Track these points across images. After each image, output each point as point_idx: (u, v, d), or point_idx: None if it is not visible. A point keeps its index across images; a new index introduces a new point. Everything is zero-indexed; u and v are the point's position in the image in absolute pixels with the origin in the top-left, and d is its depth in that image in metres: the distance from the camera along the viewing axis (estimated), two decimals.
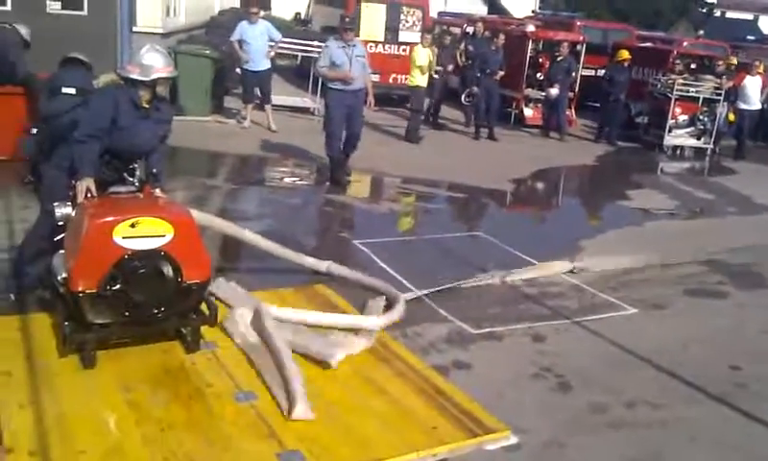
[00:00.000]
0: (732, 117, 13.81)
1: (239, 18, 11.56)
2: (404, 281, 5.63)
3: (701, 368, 4.79)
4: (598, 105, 14.59)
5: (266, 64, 10.89)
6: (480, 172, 10.12)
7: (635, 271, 6.67)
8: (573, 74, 13.89)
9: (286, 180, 8.95)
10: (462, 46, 13.81)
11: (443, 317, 5.19)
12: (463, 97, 12.85)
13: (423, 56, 11.41)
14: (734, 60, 15.14)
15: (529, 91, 14.35)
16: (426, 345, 4.72)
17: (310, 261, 5.14)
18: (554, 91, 13.30)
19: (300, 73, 14.92)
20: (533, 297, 5.83)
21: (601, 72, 14.92)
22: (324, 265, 5.11)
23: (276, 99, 11.69)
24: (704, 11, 62.63)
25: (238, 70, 11.38)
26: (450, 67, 13.10)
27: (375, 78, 10.53)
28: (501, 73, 12.70)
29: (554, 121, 13.58)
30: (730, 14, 68.63)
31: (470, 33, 14.99)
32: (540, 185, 10.93)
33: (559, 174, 11.43)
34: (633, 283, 6.38)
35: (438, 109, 13.39)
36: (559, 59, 13.65)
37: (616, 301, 5.93)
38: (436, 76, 12.34)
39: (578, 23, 18.15)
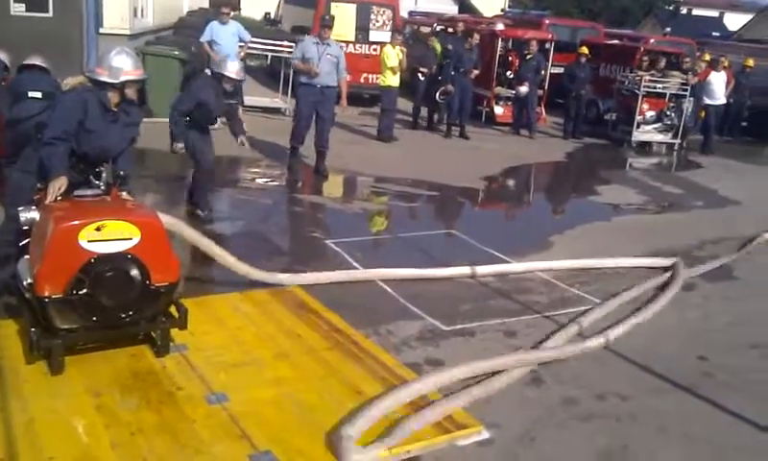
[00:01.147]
0: (702, 113, 14.07)
1: (208, 19, 11.46)
2: (378, 282, 5.67)
3: (669, 360, 4.86)
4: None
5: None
6: (453, 170, 10.18)
7: (603, 267, 6.73)
8: (543, 72, 14.03)
9: (258, 181, 8.91)
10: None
11: (415, 314, 5.20)
12: (437, 95, 12.90)
13: (393, 56, 11.44)
14: (707, 57, 15.41)
15: (499, 89, 14.48)
16: (399, 342, 4.73)
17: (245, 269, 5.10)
18: (524, 89, 13.42)
19: (271, 73, 14.86)
20: (504, 292, 5.87)
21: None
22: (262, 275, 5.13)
23: (248, 99, 11.61)
24: (670, 8, 63.59)
25: (208, 71, 11.24)
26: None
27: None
28: (476, 72, 12.80)
29: (524, 119, 13.70)
30: (696, 12, 69.73)
31: (447, 31, 15.08)
32: (511, 183, 11.03)
33: (529, 171, 11.56)
34: (604, 277, 6.46)
35: (429, 112, 13.33)
36: (528, 57, 13.78)
37: (586, 295, 5.99)
38: (422, 78, 12.47)
39: (546, 22, 18.33)
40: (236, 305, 4.78)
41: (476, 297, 5.72)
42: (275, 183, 8.96)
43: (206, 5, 18.60)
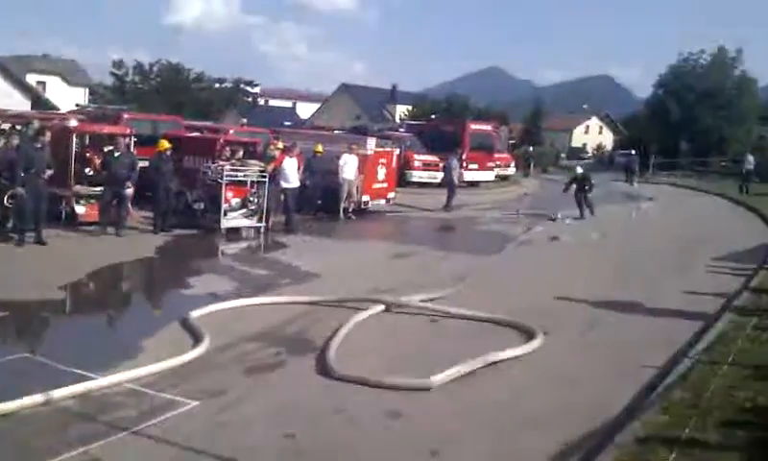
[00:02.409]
0: (282, 196, 15.24)
1: None
2: None
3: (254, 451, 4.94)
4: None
5: None
6: (28, 280, 9.15)
7: (194, 361, 6.65)
8: (137, 169, 13.57)
9: None
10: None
11: None
12: (5, 199, 11.52)
13: None
14: (280, 145, 16.81)
15: (79, 188, 13.63)
16: None
17: None
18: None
19: None
20: (86, 415, 5.34)
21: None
22: None
23: None
24: (249, 100, 68.77)
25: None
26: None
27: None
28: (50, 172, 11.83)
29: (112, 216, 13.12)
30: (272, 102, 76.51)
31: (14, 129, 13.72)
32: (96, 287, 10.14)
33: (117, 272, 10.98)
34: (193, 374, 6.34)
35: None
36: (117, 154, 13.27)
37: (177, 397, 5.78)
38: None
39: (125, 116, 18.07)
40: None
41: (53, 427, 5.08)
42: None
43: None
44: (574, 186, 19.79)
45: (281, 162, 15.38)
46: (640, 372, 6.83)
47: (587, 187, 19.73)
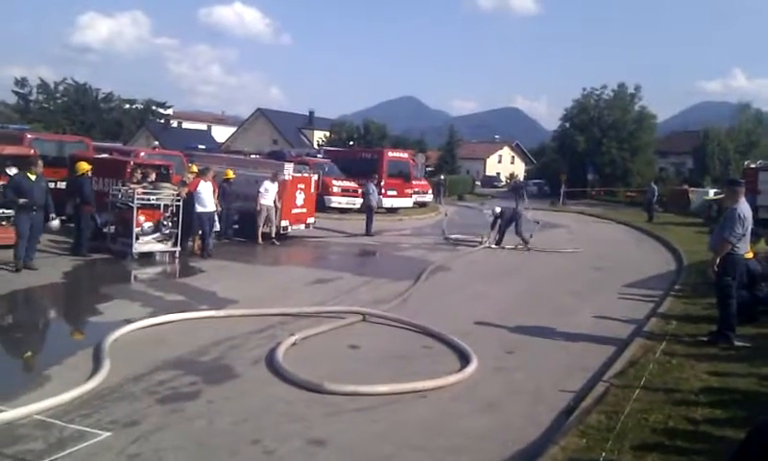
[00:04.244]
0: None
1: None
2: None
3: None
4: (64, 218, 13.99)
5: None
6: None
7: (106, 390, 6.34)
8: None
9: None
10: None
11: None
12: None
13: None
14: (195, 168, 16.41)
15: None
16: None
17: None
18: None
19: None
20: None
21: (61, 184, 14.39)
22: None
23: None
24: (161, 121, 67.06)
25: None
26: None
27: None
28: None
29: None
30: (186, 124, 74.99)
31: None
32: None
33: (22, 300, 10.37)
34: (105, 404, 6.05)
35: None
36: (33, 177, 12.48)
37: (88, 429, 5.49)
38: None
39: (29, 136, 17.23)
40: None
41: None
42: None
43: None
44: (499, 220, 20.10)
45: (197, 186, 14.99)
46: (557, 396, 6.97)
47: (516, 219, 19.98)
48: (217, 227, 15.70)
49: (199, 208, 14.74)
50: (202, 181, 15.15)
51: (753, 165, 31.03)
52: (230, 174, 17.48)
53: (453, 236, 21.38)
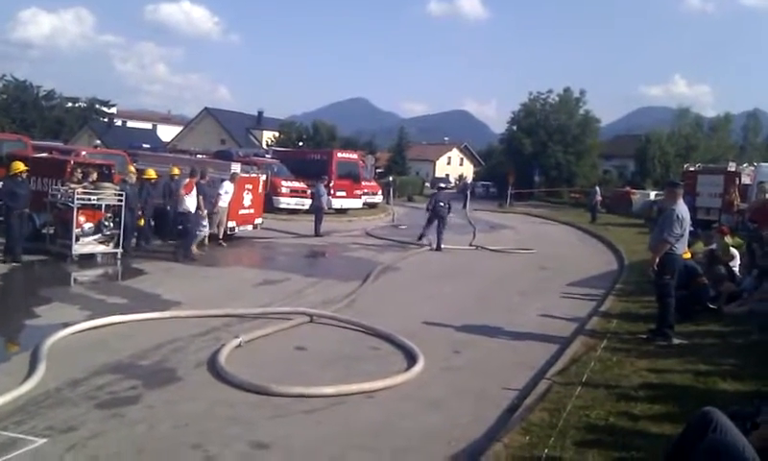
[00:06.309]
0: (141, 221, 14.54)
1: None
2: None
3: None
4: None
5: None
6: None
7: (42, 395, 6.13)
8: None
9: None
10: None
11: None
12: None
13: None
14: (132, 169, 16.03)
15: None
16: None
17: None
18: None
19: None
20: None
21: None
22: None
23: None
24: (105, 120, 65.41)
25: None
26: None
27: None
28: None
29: None
30: (131, 124, 73.33)
31: None
32: None
33: None
34: (41, 410, 5.84)
35: None
36: None
37: (22, 435, 5.29)
38: None
39: None
40: None
41: None
42: None
43: None
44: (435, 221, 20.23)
45: (191, 189, 15.14)
46: (502, 394, 7.04)
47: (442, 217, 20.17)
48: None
49: (192, 210, 14.77)
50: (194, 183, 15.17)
51: (692, 168, 32.09)
52: (175, 171, 17.15)
53: (400, 238, 21.44)
